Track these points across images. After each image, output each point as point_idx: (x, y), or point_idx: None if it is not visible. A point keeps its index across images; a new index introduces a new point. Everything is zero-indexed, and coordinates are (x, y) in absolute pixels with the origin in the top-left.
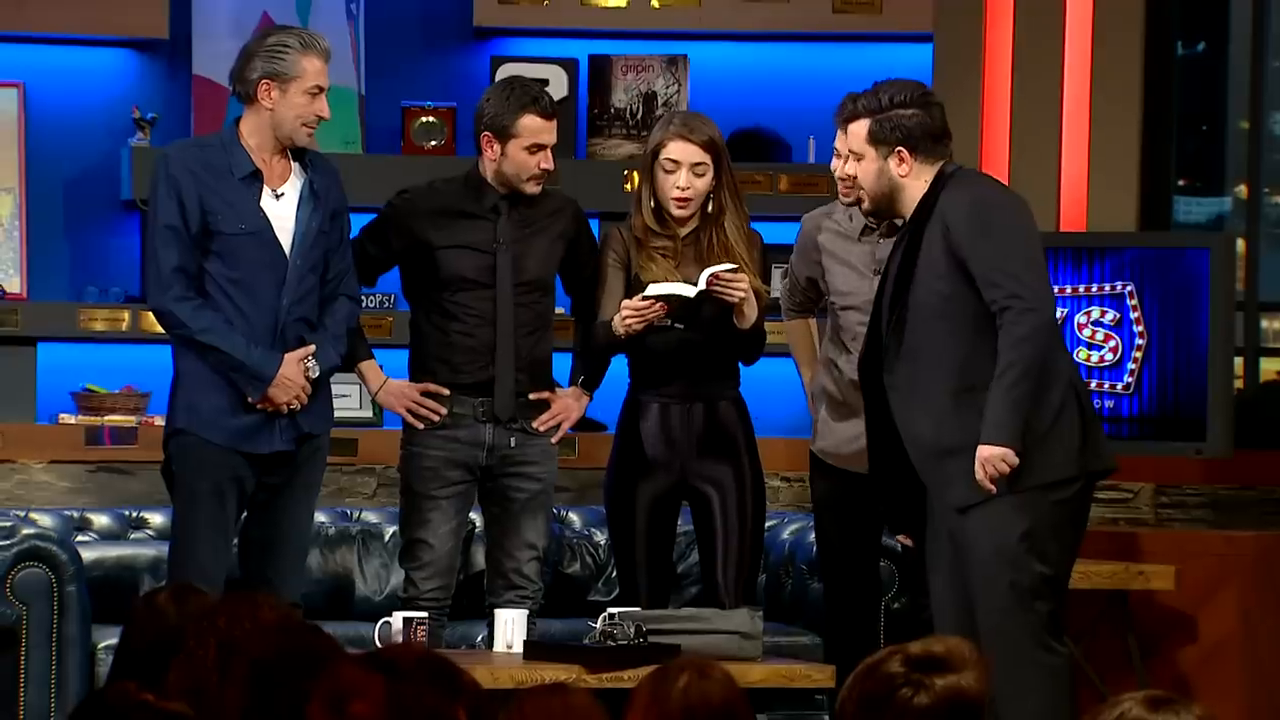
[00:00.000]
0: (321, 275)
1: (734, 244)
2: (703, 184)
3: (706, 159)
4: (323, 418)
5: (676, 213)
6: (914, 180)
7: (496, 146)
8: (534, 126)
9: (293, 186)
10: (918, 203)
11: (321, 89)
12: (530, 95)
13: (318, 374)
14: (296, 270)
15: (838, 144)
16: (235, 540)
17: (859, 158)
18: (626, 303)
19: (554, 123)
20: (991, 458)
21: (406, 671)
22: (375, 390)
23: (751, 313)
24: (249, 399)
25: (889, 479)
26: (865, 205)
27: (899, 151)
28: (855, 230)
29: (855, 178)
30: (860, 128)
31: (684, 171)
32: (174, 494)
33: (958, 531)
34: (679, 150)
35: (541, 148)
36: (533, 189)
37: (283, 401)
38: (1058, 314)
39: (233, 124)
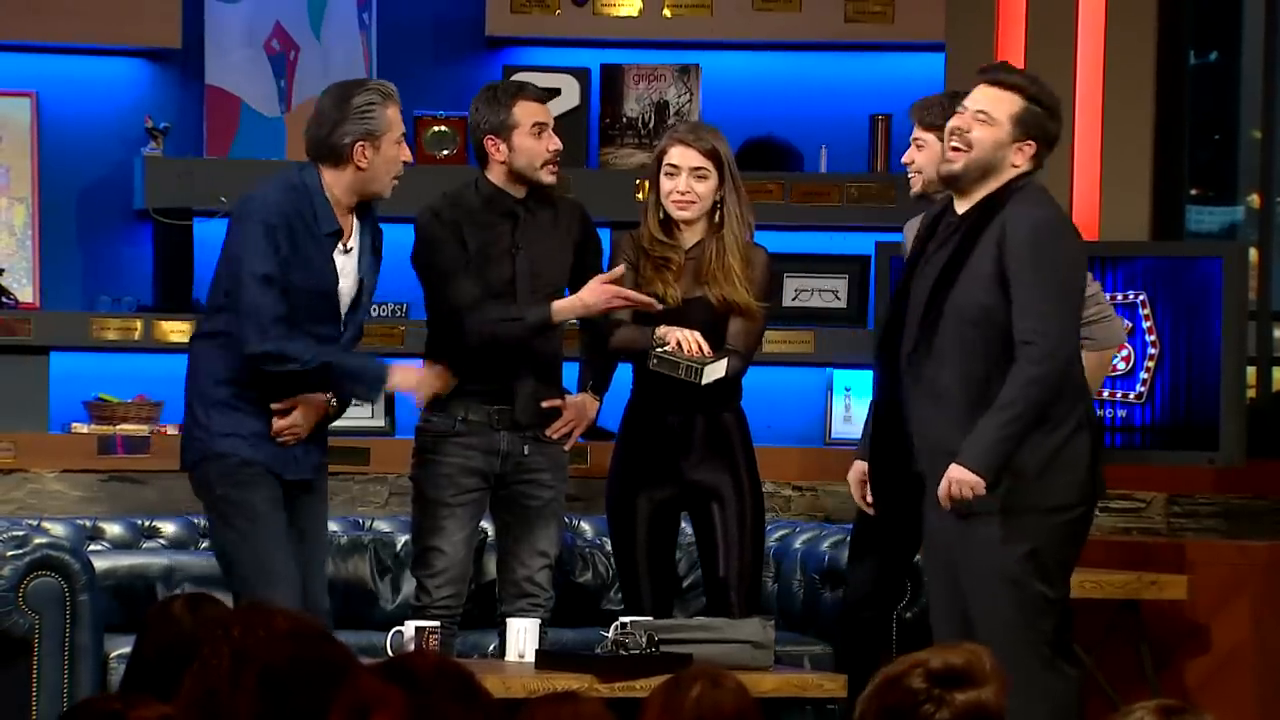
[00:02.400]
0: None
1: (731, 260)
2: (704, 188)
3: (707, 165)
4: (325, 441)
5: (677, 214)
6: (1007, 174)
7: (502, 145)
8: (530, 109)
9: (356, 241)
10: (977, 202)
11: (404, 134)
12: (516, 85)
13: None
14: (349, 324)
15: (916, 134)
16: None
17: (987, 119)
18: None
19: (548, 106)
20: (963, 482)
21: (425, 681)
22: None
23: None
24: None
25: (885, 461)
26: (956, 166)
27: (1027, 145)
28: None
29: (912, 163)
30: (1006, 98)
31: (684, 175)
32: (229, 517)
33: (956, 537)
34: (679, 155)
35: (543, 126)
36: (549, 177)
37: (301, 428)
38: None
39: (312, 172)
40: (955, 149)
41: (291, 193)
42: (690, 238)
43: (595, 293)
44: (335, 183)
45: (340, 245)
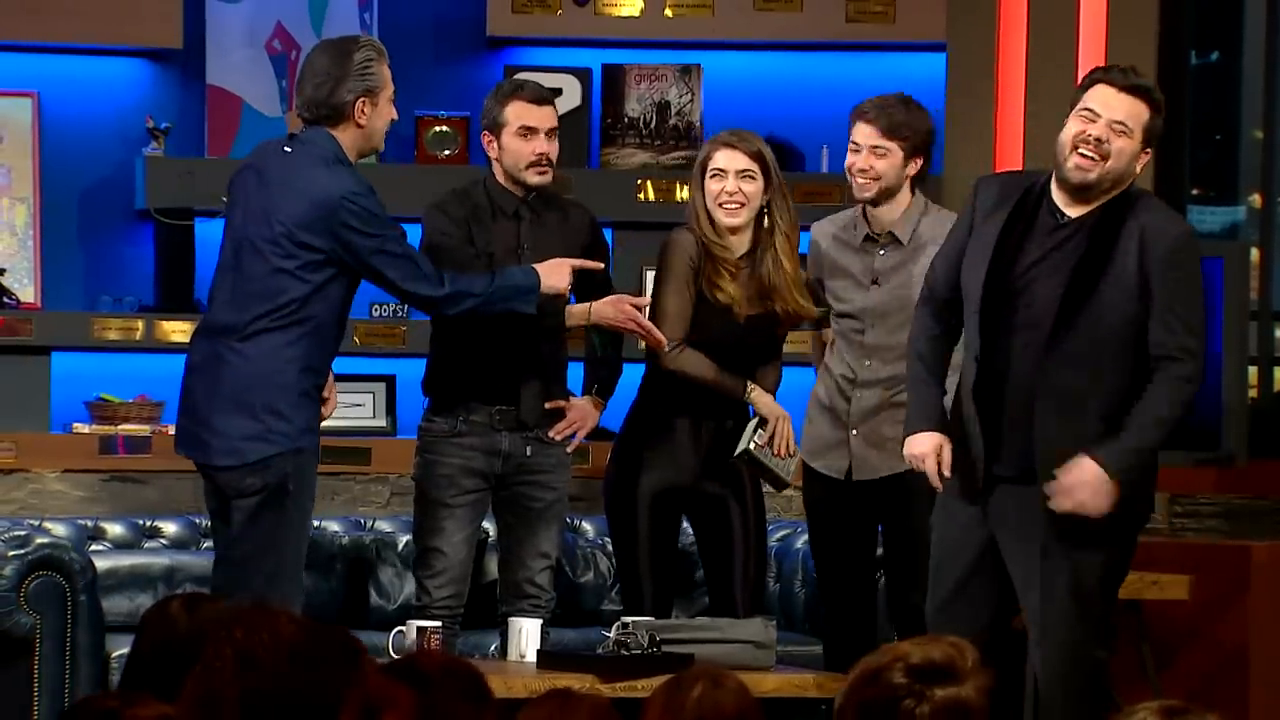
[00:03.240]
0: None
1: (785, 263)
2: (752, 189)
3: (753, 166)
4: None
5: (726, 220)
6: (1127, 182)
7: (494, 143)
8: (520, 110)
9: None
10: (1097, 207)
11: (394, 91)
12: (516, 84)
13: None
14: None
15: (857, 138)
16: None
17: (1125, 131)
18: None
19: (545, 108)
20: (1093, 484)
21: (434, 680)
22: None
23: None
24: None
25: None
26: (1091, 176)
27: (1145, 154)
28: (857, 239)
29: (871, 169)
30: (1140, 108)
31: (730, 178)
32: (289, 511)
33: (1050, 537)
34: (725, 158)
35: (532, 131)
36: (534, 178)
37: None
38: None
39: (325, 136)
40: (1088, 158)
41: (339, 165)
42: (739, 246)
43: (617, 309)
44: (347, 145)
45: None
